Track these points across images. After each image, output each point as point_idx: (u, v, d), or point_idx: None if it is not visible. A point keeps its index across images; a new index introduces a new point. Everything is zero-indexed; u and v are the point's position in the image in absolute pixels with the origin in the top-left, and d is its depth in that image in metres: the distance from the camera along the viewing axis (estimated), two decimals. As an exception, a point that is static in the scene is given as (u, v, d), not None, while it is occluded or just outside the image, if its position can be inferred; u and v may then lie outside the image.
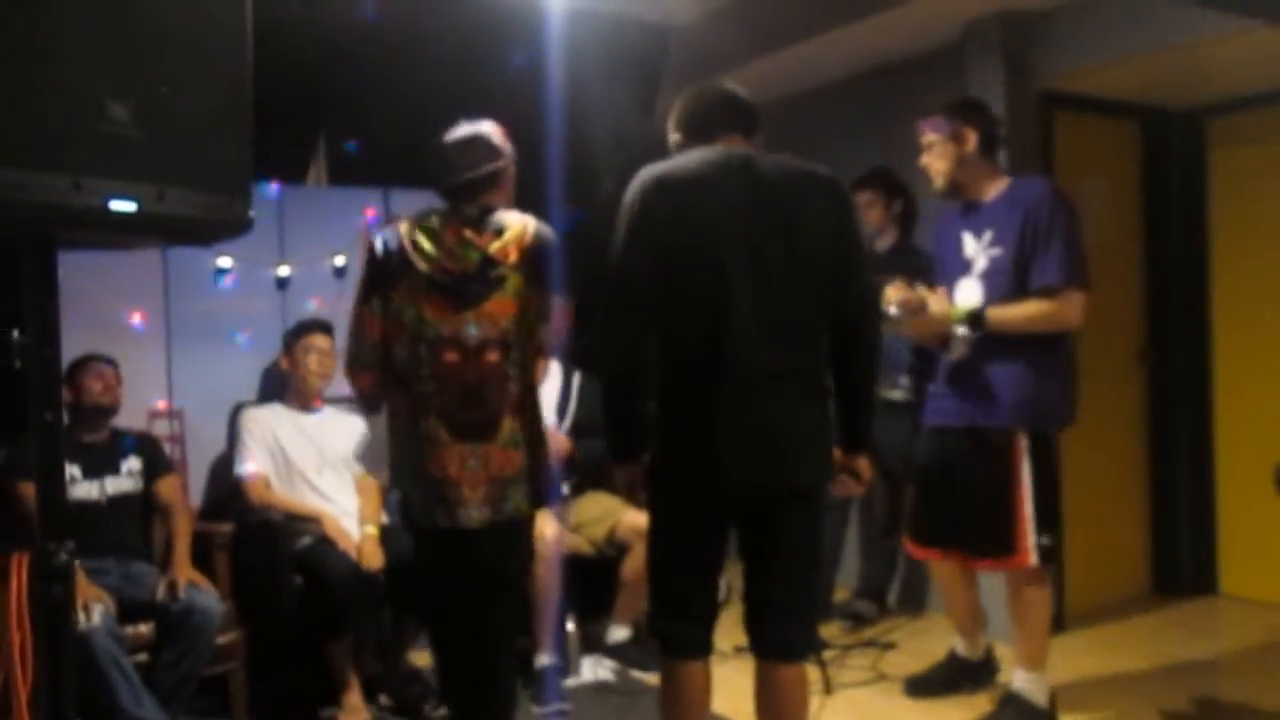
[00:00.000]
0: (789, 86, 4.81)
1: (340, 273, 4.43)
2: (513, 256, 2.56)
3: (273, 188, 4.33)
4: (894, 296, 3.12)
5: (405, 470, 2.62)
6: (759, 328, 2.27)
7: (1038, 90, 4.15)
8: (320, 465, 3.63)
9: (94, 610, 2.89)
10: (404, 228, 2.58)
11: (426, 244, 2.54)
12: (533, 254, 2.59)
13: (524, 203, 2.73)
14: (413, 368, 2.55)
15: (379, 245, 2.59)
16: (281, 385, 3.74)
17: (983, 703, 3.36)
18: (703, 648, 2.40)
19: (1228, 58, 3.89)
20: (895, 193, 4.31)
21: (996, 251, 3.10)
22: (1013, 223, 3.06)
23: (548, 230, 2.66)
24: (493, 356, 2.55)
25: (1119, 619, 4.31)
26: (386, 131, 4.31)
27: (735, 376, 2.27)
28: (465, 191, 2.60)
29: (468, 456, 2.53)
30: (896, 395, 4.15)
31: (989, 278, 3.11)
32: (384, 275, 2.56)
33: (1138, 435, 4.70)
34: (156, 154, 1.52)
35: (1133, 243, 4.65)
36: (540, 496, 2.67)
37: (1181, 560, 4.72)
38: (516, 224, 2.60)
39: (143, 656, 3.07)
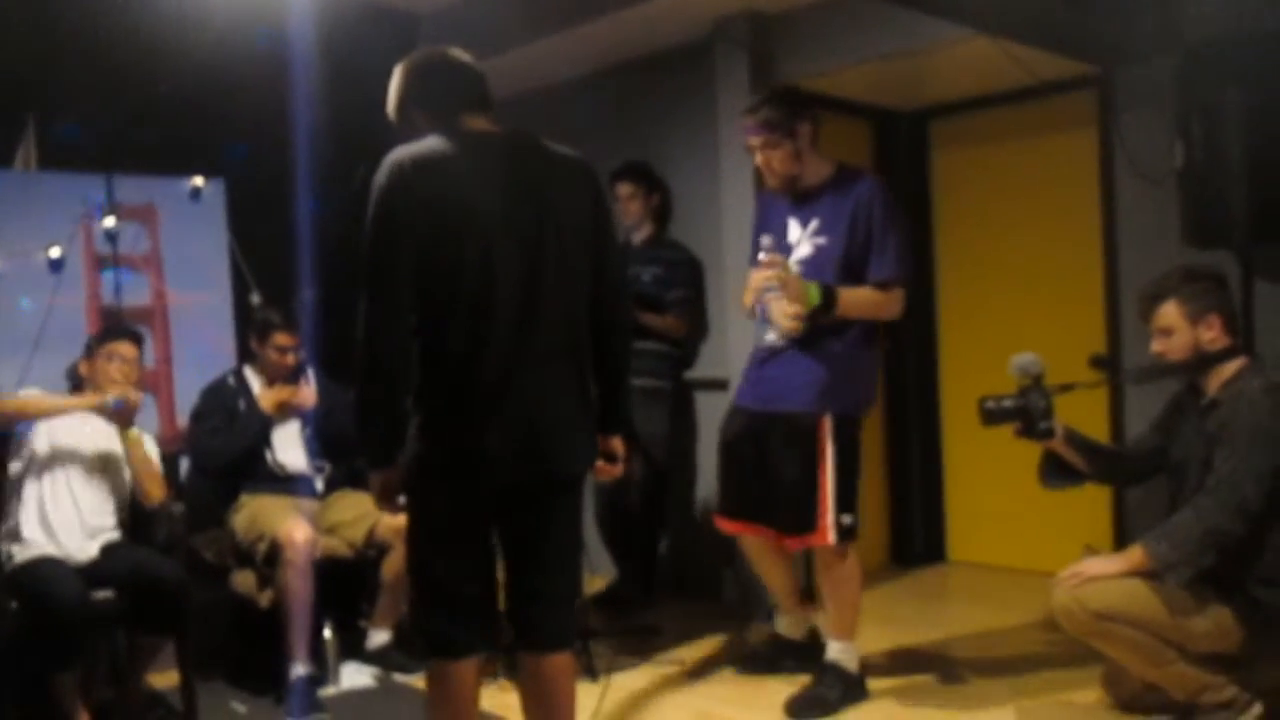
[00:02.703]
0: (542, 79, 4.81)
1: (56, 265, 4.01)
2: None
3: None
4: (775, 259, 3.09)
5: None
6: (522, 313, 2.24)
7: (781, 88, 4.32)
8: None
9: None
10: None
11: None
12: None
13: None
14: None
15: None
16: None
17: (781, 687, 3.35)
18: (471, 647, 2.34)
19: (946, 65, 4.20)
20: (654, 186, 4.39)
21: (822, 240, 3.18)
22: (841, 214, 3.14)
23: None
24: None
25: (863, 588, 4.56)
26: (109, 115, 3.97)
27: (497, 363, 2.22)
28: None
29: None
30: (659, 383, 4.25)
31: (811, 263, 3.17)
32: None
33: (875, 419, 5.00)
34: None
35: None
36: None
37: (915, 533, 5.08)
38: None
39: None
